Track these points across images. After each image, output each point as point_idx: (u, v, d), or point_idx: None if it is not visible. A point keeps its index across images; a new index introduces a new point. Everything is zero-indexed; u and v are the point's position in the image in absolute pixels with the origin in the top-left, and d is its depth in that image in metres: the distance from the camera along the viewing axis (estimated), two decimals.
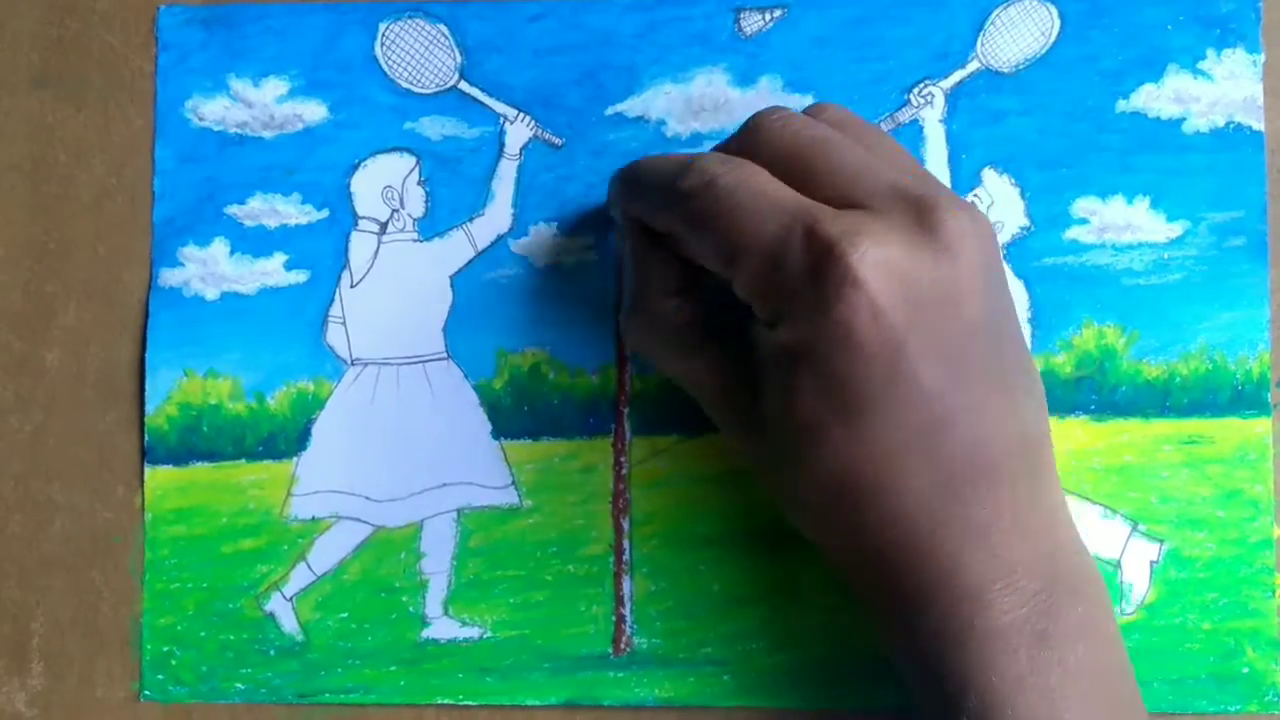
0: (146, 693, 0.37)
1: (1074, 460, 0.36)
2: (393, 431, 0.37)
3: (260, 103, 0.38)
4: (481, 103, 0.37)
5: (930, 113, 0.37)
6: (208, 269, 0.37)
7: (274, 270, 0.37)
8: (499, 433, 0.37)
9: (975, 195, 0.37)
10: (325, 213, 0.37)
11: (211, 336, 0.37)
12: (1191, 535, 0.35)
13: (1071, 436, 0.36)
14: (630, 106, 0.37)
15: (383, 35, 0.38)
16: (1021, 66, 0.37)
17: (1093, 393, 0.36)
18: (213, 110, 0.38)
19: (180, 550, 0.37)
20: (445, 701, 0.36)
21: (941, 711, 0.27)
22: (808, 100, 0.37)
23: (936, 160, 0.37)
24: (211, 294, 0.37)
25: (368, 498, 0.37)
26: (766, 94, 0.37)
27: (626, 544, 0.36)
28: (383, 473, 0.37)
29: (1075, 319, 0.36)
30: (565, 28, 0.37)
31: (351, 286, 0.37)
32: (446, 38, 0.38)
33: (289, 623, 0.36)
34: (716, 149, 0.31)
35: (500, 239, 0.37)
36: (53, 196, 0.38)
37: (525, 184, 0.37)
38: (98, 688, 0.37)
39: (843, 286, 0.26)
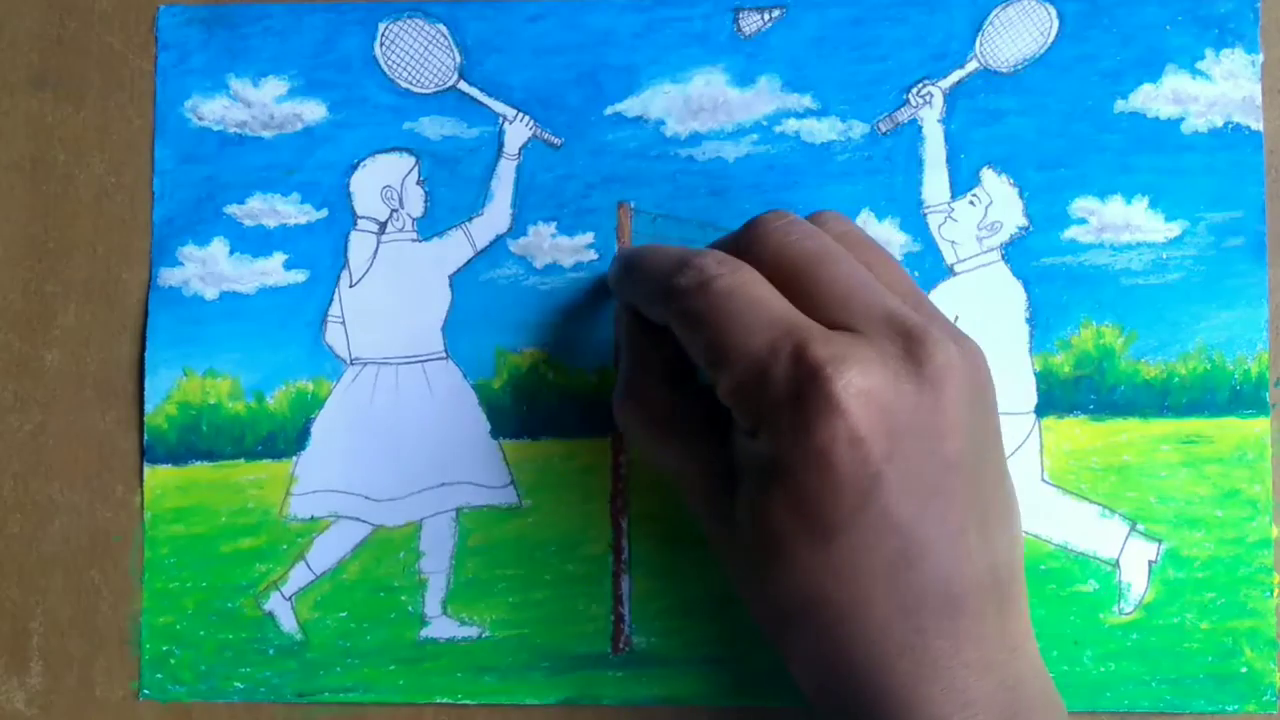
0: (146, 692, 0.37)
1: (1072, 460, 0.36)
2: (392, 431, 0.37)
3: (260, 102, 0.38)
4: (481, 103, 0.37)
5: (929, 113, 0.37)
6: (207, 268, 0.37)
7: (273, 270, 0.37)
8: (498, 432, 0.37)
9: (974, 195, 0.37)
10: (324, 212, 0.37)
11: (211, 336, 0.37)
12: (1190, 535, 0.35)
13: (1070, 436, 0.36)
14: (629, 106, 0.37)
15: (382, 35, 0.38)
16: (1020, 66, 0.37)
17: (1091, 392, 0.36)
18: (212, 110, 0.38)
19: (179, 549, 0.37)
20: (444, 701, 0.36)
21: None
22: (807, 100, 0.37)
23: (935, 160, 0.37)
24: (211, 293, 0.37)
25: (367, 497, 0.37)
26: (765, 94, 0.37)
27: (625, 543, 0.36)
28: (382, 472, 0.37)
29: (1074, 319, 0.36)
30: (564, 28, 0.37)
31: (351, 286, 0.37)
32: (446, 37, 0.38)
33: (288, 622, 0.36)
34: (716, 246, 0.31)
35: (499, 239, 0.37)
36: (52, 196, 0.38)
37: (524, 184, 0.37)
38: (97, 687, 0.37)
39: (824, 411, 0.26)
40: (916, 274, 0.37)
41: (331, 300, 0.37)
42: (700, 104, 0.37)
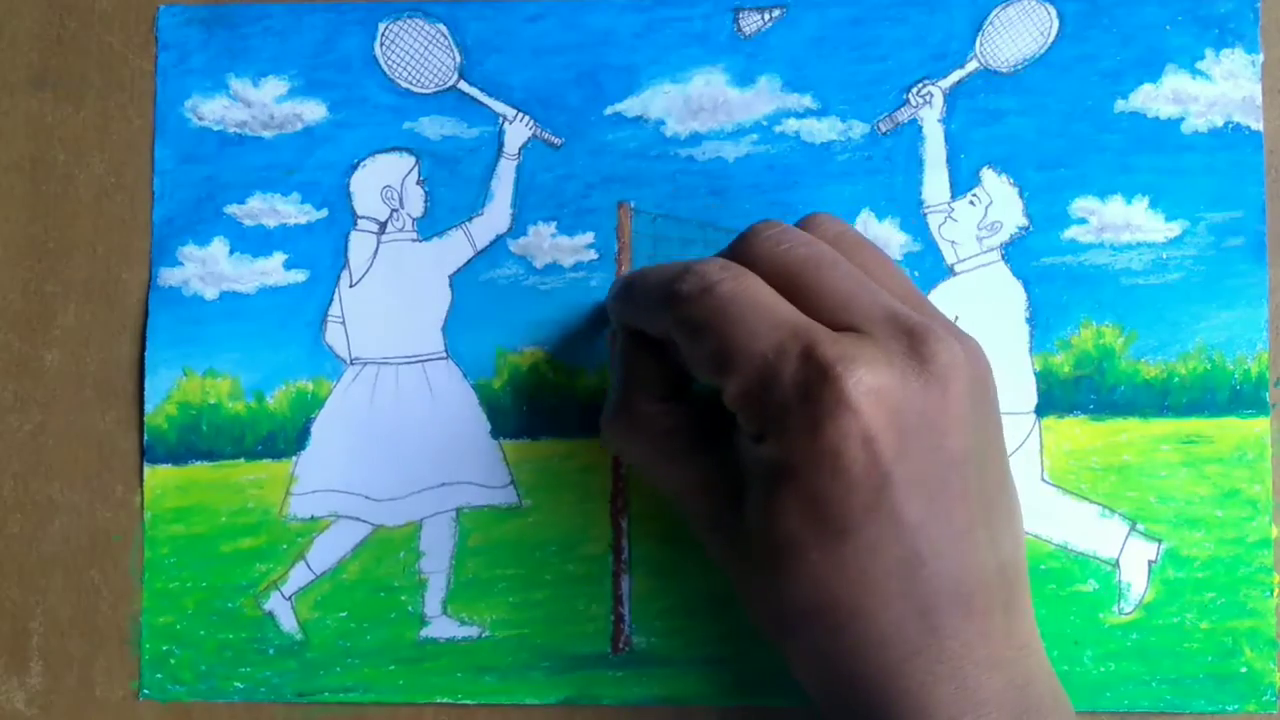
0: (146, 692, 0.37)
1: (1072, 460, 0.36)
2: (392, 431, 0.37)
3: (260, 102, 0.38)
4: (481, 102, 0.37)
5: (929, 112, 0.37)
6: (207, 268, 0.37)
7: (273, 270, 0.37)
8: (498, 432, 0.37)
9: (974, 195, 0.37)
10: (324, 212, 0.37)
11: (211, 336, 0.37)
12: (1190, 535, 0.35)
13: (1070, 436, 0.36)
14: (629, 106, 0.37)
15: (382, 35, 0.38)
16: (1020, 66, 0.37)
17: (1091, 392, 0.36)
18: (212, 110, 0.38)
19: (179, 549, 0.37)
20: (444, 700, 0.36)
21: None
22: (807, 100, 0.37)
23: (935, 160, 0.37)
24: (211, 293, 0.37)
25: (367, 497, 0.37)
26: (765, 93, 0.37)
27: (625, 543, 0.36)
28: (382, 472, 0.37)
29: (1074, 319, 0.36)
30: (564, 28, 0.37)
31: (351, 286, 0.37)
32: (446, 37, 0.38)
33: (288, 622, 0.36)
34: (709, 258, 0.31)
35: (499, 239, 0.37)
36: (52, 196, 0.38)
37: (524, 184, 0.37)
38: (97, 687, 0.37)
39: (836, 410, 0.26)
40: (916, 274, 0.37)
41: (331, 300, 0.37)
42: (700, 104, 0.37)
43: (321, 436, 0.37)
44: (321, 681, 0.36)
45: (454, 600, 0.36)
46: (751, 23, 0.37)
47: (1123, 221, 0.36)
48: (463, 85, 0.38)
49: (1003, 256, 0.37)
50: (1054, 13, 0.37)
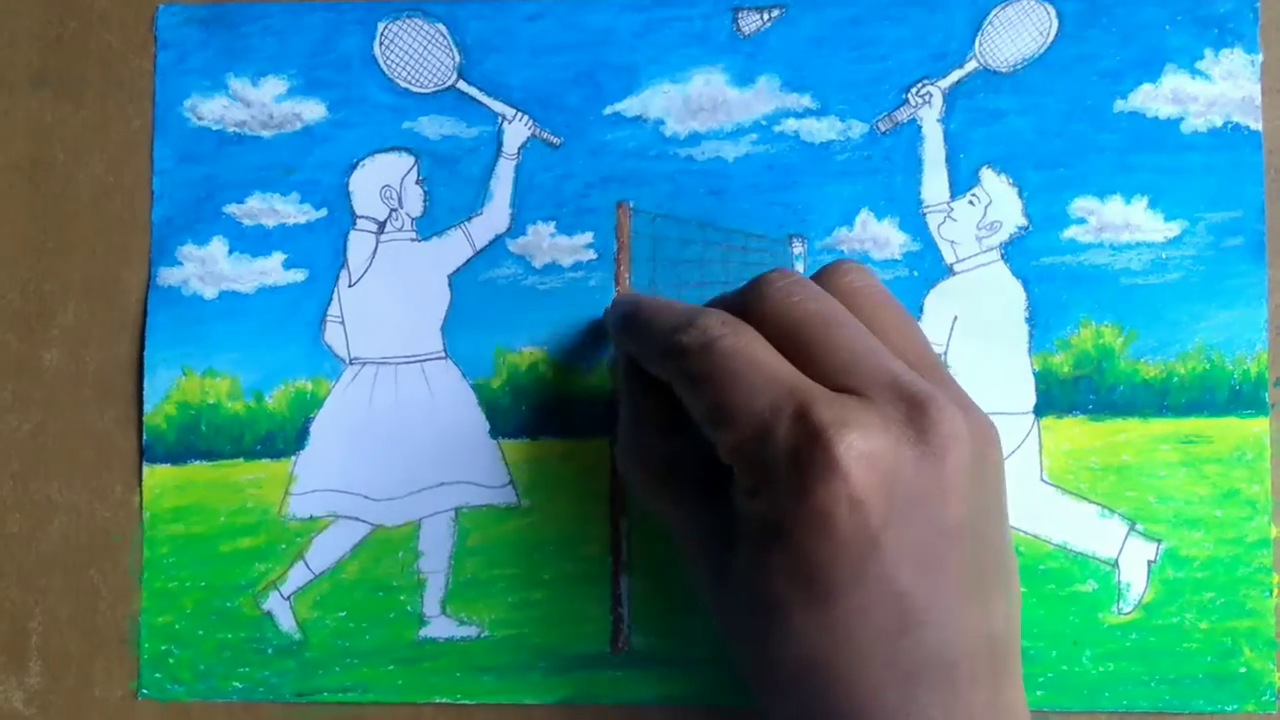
0: (145, 691, 0.37)
1: (1072, 460, 0.36)
2: (391, 431, 0.37)
3: (259, 102, 0.38)
4: (480, 102, 0.37)
5: (928, 112, 0.37)
6: (206, 268, 0.37)
7: (272, 269, 0.37)
8: (497, 432, 0.37)
9: (973, 195, 0.37)
10: (324, 212, 0.37)
11: (210, 335, 0.37)
12: (1189, 535, 0.35)
13: (1069, 436, 0.36)
14: (628, 106, 0.37)
15: (381, 35, 0.38)
16: (1019, 66, 0.37)
17: (1090, 392, 0.36)
18: (211, 109, 0.38)
19: (178, 549, 0.37)
20: (443, 700, 0.36)
21: None
22: (806, 100, 0.37)
23: (934, 160, 0.37)
24: (210, 293, 0.37)
25: (366, 497, 0.37)
26: (765, 93, 0.37)
27: (624, 543, 0.36)
28: (381, 472, 0.37)
29: (1073, 318, 0.36)
30: (563, 27, 0.37)
31: (350, 286, 0.37)
32: (445, 37, 0.38)
33: (287, 621, 0.36)
34: (717, 304, 0.31)
35: (498, 238, 0.37)
36: (51, 196, 0.38)
37: (523, 183, 0.37)
38: (96, 686, 0.37)
39: (825, 473, 0.26)
40: (915, 273, 0.37)
41: (330, 300, 0.37)
42: (699, 104, 0.37)
43: (320, 436, 0.37)
44: (320, 681, 0.36)
45: (453, 600, 0.36)
46: (751, 22, 0.37)
47: (1122, 221, 0.36)
48: (462, 85, 0.38)
49: (1002, 256, 0.37)
50: (1053, 12, 0.37)
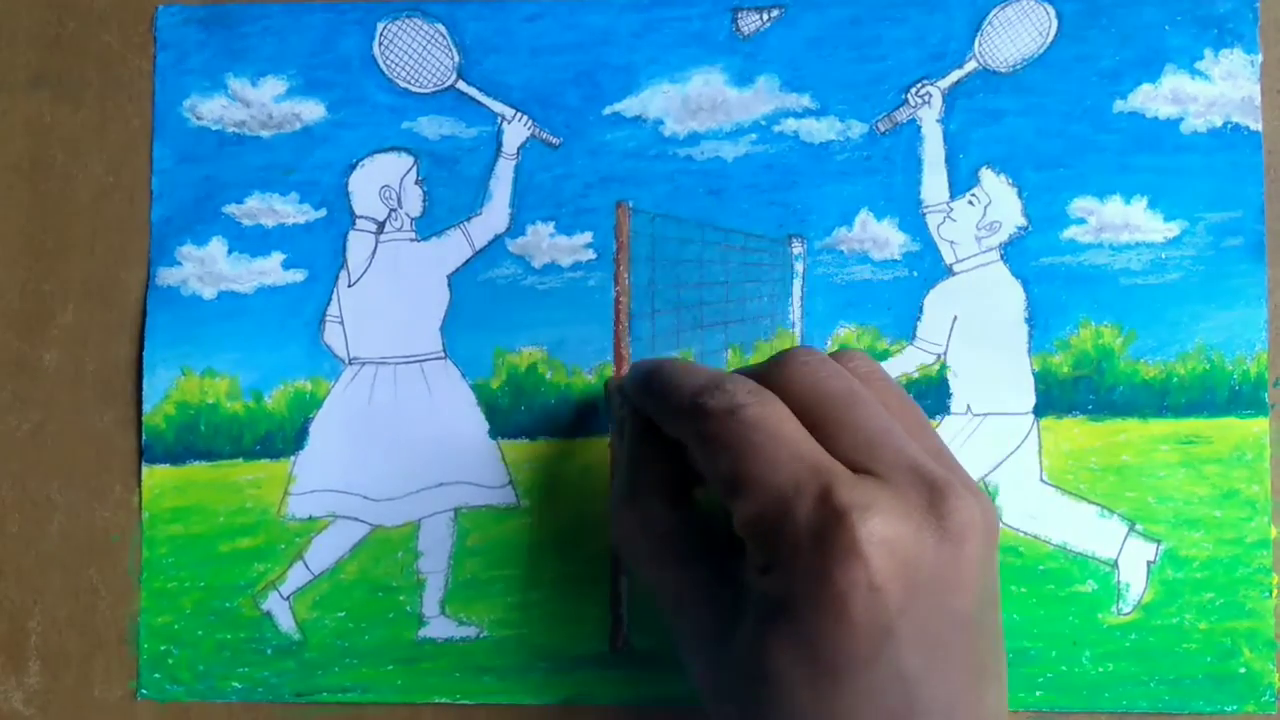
0: (144, 691, 0.37)
1: (1071, 460, 0.36)
2: (390, 431, 0.37)
3: (258, 102, 0.38)
4: (479, 102, 0.37)
5: (928, 112, 0.37)
6: (205, 268, 0.37)
7: (272, 269, 0.37)
8: (496, 432, 0.37)
9: (973, 195, 0.37)
10: (323, 212, 0.37)
11: (209, 335, 0.37)
12: (1189, 535, 0.35)
13: (1069, 436, 0.36)
14: (628, 106, 0.37)
15: (381, 35, 0.38)
16: (1019, 66, 0.37)
17: (1090, 392, 0.36)
18: (211, 110, 0.38)
19: (178, 549, 0.37)
20: (442, 700, 0.36)
21: None
22: (805, 100, 0.37)
23: (934, 160, 0.37)
24: (209, 293, 0.37)
25: (365, 497, 0.37)
26: (764, 93, 0.37)
27: None
28: (380, 472, 0.37)
29: (1073, 319, 0.36)
30: (563, 27, 0.37)
31: (349, 286, 0.37)
32: (444, 37, 0.38)
33: (286, 622, 0.36)
34: (742, 373, 0.31)
35: (498, 238, 0.37)
36: (51, 196, 0.38)
37: (523, 183, 0.37)
38: (95, 686, 0.37)
39: (846, 556, 0.25)
40: (915, 273, 0.37)
41: (330, 300, 0.37)
42: (699, 104, 0.37)
43: (320, 436, 0.37)
44: (319, 681, 0.36)
45: (452, 600, 0.36)
46: (750, 23, 0.37)
47: (1121, 221, 0.36)
48: (461, 85, 0.38)
49: (1001, 256, 0.37)
50: (1053, 13, 0.37)
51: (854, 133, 0.37)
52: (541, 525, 0.36)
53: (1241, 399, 0.36)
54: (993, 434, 0.36)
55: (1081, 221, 0.36)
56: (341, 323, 0.37)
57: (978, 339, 0.36)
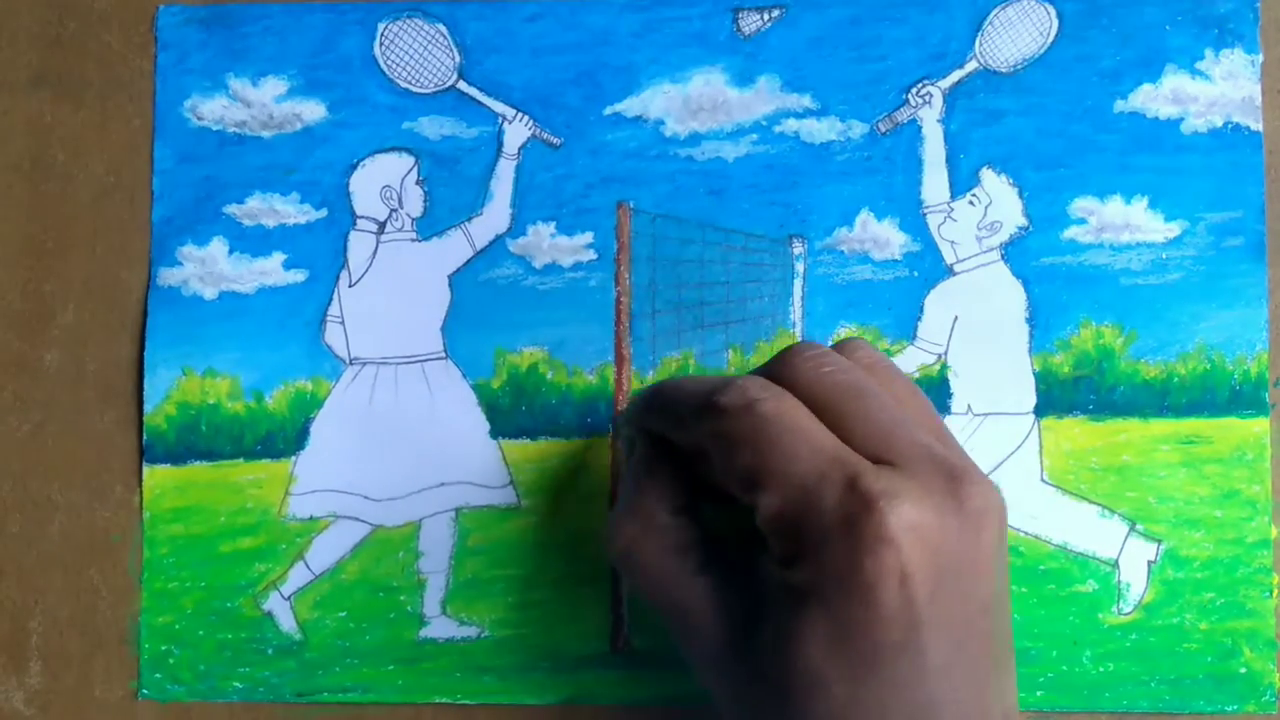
0: (145, 691, 0.37)
1: (1072, 460, 0.36)
2: (391, 431, 0.37)
3: (259, 102, 0.38)
4: (480, 102, 0.37)
5: (928, 112, 0.37)
6: (206, 268, 0.37)
7: (272, 270, 0.37)
8: (497, 432, 0.37)
9: (973, 195, 0.37)
10: (324, 212, 0.37)
11: (210, 336, 0.37)
12: (1189, 535, 0.35)
13: (1070, 436, 0.36)
14: (628, 106, 0.37)
15: (381, 35, 0.38)
16: (1020, 66, 0.37)
17: (1091, 392, 0.36)
18: (211, 110, 0.38)
19: (178, 549, 0.37)
20: (443, 700, 0.36)
21: None
22: (806, 100, 0.37)
23: (934, 160, 0.37)
24: (210, 293, 0.37)
25: (366, 497, 0.37)
26: (765, 93, 0.37)
27: None
28: (381, 472, 0.37)
29: (1073, 319, 0.36)
30: (563, 27, 0.37)
31: (350, 286, 0.37)
32: (445, 37, 0.38)
33: (287, 622, 0.36)
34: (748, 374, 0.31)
35: (498, 238, 0.37)
36: (51, 196, 0.38)
37: (523, 183, 0.37)
38: (96, 686, 0.37)
39: (877, 544, 0.25)
40: (915, 274, 0.37)
41: (331, 300, 0.37)
42: (699, 104, 0.37)
43: (320, 436, 0.37)
44: (320, 681, 0.36)
45: (453, 600, 0.36)
46: (751, 23, 0.37)
47: (1122, 221, 0.36)
48: (462, 85, 0.38)
49: (1002, 256, 0.37)
50: (1053, 13, 0.37)
51: (855, 133, 0.37)
52: (542, 525, 0.36)
53: (1242, 399, 0.36)
54: (993, 434, 0.36)
55: (1082, 221, 0.36)
56: (342, 323, 0.37)
57: (978, 339, 0.36)
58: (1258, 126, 0.36)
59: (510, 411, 0.37)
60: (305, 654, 0.36)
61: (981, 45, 0.37)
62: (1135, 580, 0.35)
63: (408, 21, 0.38)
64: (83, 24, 0.38)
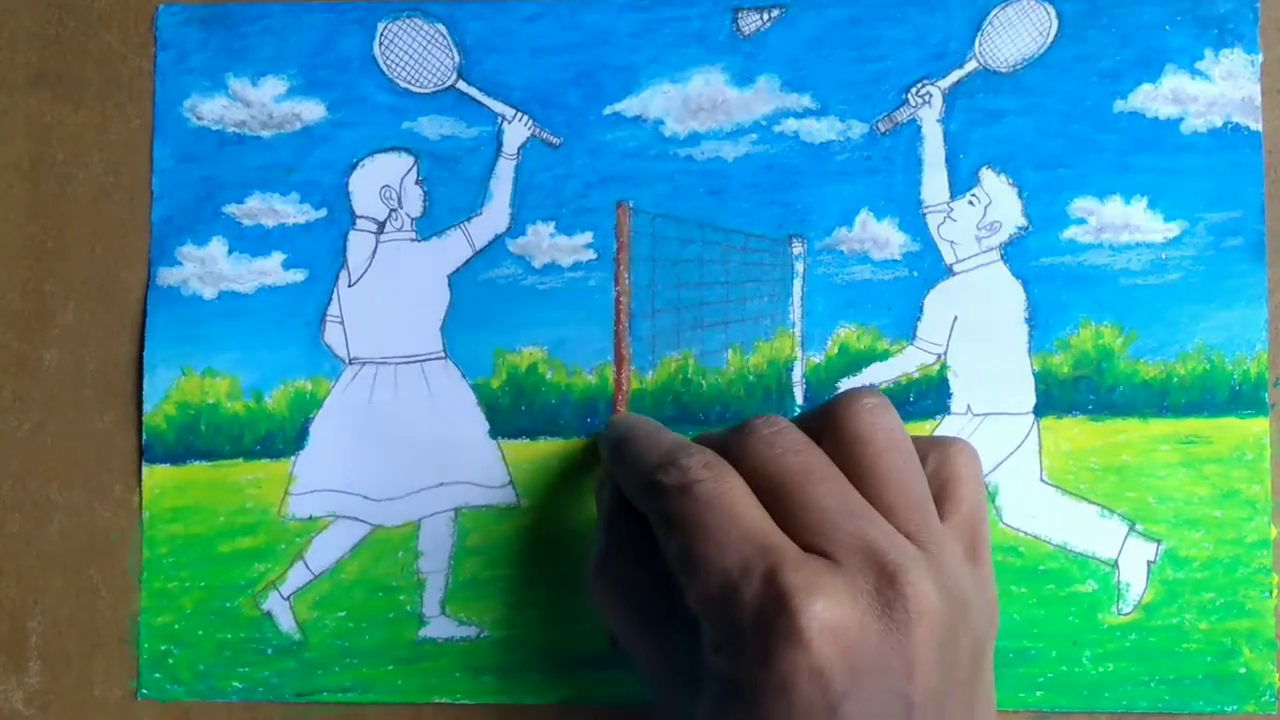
0: (144, 691, 0.37)
1: (1071, 460, 0.36)
2: (390, 431, 0.37)
3: (259, 102, 0.38)
4: (479, 102, 0.37)
5: (928, 112, 0.37)
6: (206, 268, 0.37)
7: (272, 269, 0.37)
8: (496, 432, 0.37)
9: (973, 195, 0.37)
10: (323, 212, 0.37)
11: (209, 335, 0.37)
12: (1189, 535, 0.35)
13: (1069, 436, 0.36)
14: (628, 106, 0.37)
15: (381, 35, 0.38)
16: (1019, 66, 0.37)
17: (1090, 393, 0.36)
18: (211, 109, 0.38)
19: (178, 549, 0.37)
20: (442, 700, 0.36)
21: None
22: (806, 100, 0.37)
23: (934, 160, 0.37)
24: (209, 293, 0.37)
25: (365, 497, 0.37)
26: (764, 93, 0.37)
27: None
28: (380, 472, 0.37)
29: (1073, 319, 0.36)
30: (563, 27, 0.37)
31: (349, 286, 0.37)
32: (445, 37, 0.38)
33: (286, 622, 0.36)
34: (707, 439, 0.30)
35: (498, 238, 0.37)
36: (51, 196, 0.38)
37: (523, 183, 0.37)
38: (95, 686, 0.37)
39: (788, 641, 0.25)
40: (915, 274, 0.37)
41: (330, 300, 0.37)
42: (699, 104, 0.37)
43: (320, 436, 0.37)
44: (320, 681, 0.36)
45: (452, 600, 0.36)
46: (750, 22, 0.37)
47: (1122, 222, 0.36)
48: (461, 85, 0.38)
49: (1002, 256, 0.37)
50: (1053, 13, 0.37)
51: (854, 133, 0.37)
52: (542, 525, 0.36)
53: (1241, 399, 0.36)
54: (993, 434, 0.36)
55: (1082, 221, 0.36)
56: (342, 323, 0.37)
57: (978, 339, 0.36)
58: (1257, 126, 0.36)
59: (510, 411, 0.37)
60: (305, 654, 0.36)
61: (981, 45, 0.37)
62: (1135, 580, 0.35)
63: (407, 21, 0.38)
64: (82, 24, 0.38)
